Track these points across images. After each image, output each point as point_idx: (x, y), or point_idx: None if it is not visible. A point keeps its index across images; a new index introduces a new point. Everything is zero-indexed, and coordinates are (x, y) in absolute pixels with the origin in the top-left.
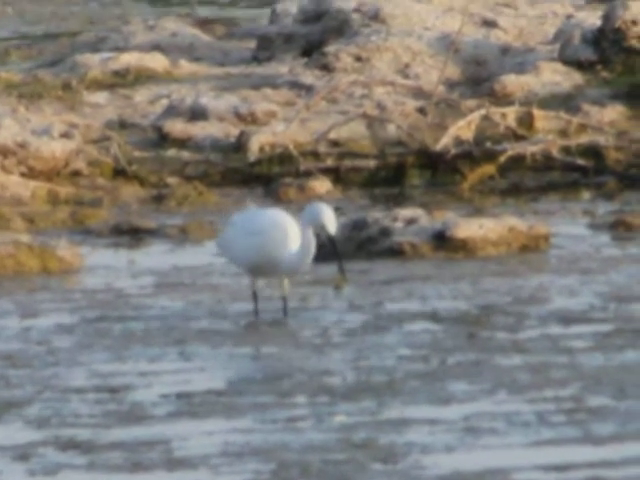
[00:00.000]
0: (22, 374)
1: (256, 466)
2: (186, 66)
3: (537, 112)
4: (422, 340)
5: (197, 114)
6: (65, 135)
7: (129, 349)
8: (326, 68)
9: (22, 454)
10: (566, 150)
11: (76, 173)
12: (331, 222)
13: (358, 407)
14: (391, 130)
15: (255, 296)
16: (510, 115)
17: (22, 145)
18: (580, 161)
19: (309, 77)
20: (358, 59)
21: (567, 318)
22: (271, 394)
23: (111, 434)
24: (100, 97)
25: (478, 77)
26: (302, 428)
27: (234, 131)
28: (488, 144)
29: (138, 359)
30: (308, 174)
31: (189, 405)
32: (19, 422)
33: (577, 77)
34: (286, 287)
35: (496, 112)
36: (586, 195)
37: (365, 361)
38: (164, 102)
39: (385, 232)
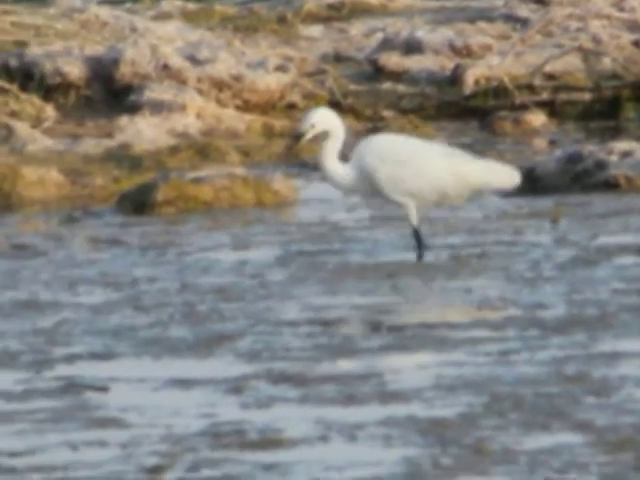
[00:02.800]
0: (235, 307)
1: (469, 399)
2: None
3: None
4: (636, 273)
5: (412, 47)
6: (280, 68)
7: (342, 282)
8: (541, 1)
9: (235, 387)
10: None
11: (291, 106)
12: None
13: (570, 340)
14: (606, 63)
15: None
16: None
17: (237, 78)
18: None
19: (524, 10)
20: None
21: None
22: (483, 327)
23: (323, 367)
24: (315, 30)
25: None
26: (514, 361)
27: (449, 64)
28: None
29: (351, 292)
30: (523, 107)
31: (400, 338)
32: (231, 355)
33: None
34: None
35: None
36: None
37: (578, 294)
38: (379, 35)
39: (600, 165)
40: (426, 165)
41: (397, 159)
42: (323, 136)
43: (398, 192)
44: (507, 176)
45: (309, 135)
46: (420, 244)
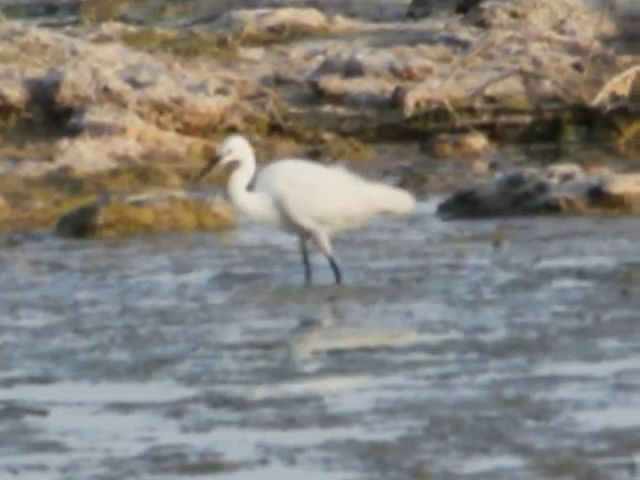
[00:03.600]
0: (175, 330)
1: (409, 422)
2: (341, 22)
3: None
4: (576, 297)
5: (353, 70)
6: (221, 91)
7: (283, 305)
8: (482, 24)
9: (175, 411)
10: None
11: (232, 129)
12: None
13: (510, 364)
14: (547, 86)
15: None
16: None
17: (178, 101)
18: None
19: (465, 33)
20: (514, 15)
21: None
22: (423, 351)
23: (263, 391)
24: (255, 53)
25: (634, 33)
26: (454, 385)
27: (390, 87)
28: None
29: (291, 316)
30: (464, 130)
31: (340, 362)
32: (171, 379)
33: None
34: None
35: None
36: None
37: (518, 317)
38: (320, 58)
39: (541, 188)
40: (333, 189)
41: (305, 183)
42: (235, 165)
43: (307, 217)
44: (406, 201)
45: (225, 160)
46: (337, 268)
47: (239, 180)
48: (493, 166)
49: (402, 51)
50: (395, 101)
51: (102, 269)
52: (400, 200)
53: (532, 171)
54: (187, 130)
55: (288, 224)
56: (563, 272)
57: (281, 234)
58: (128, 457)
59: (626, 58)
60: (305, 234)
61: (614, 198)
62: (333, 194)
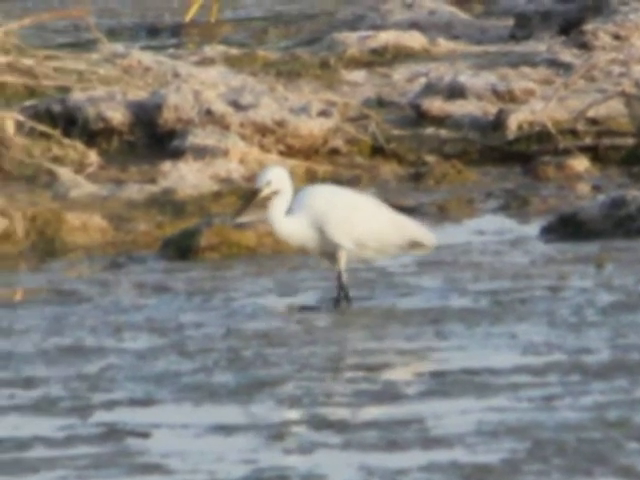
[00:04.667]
0: (279, 352)
1: (511, 445)
2: (444, 44)
3: None
4: None
5: (455, 92)
6: (323, 113)
7: (387, 328)
8: (584, 46)
9: (277, 433)
10: None
11: (334, 151)
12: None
13: (612, 385)
14: None
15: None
16: None
17: (280, 123)
18: None
19: (567, 55)
20: (616, 37)
21: None
22: (526, 373)
23: (365, 413)
24: (358, 75)
25: None
26: (557, 407)
27: (492, 109)
28: None
29: (395, 338)
30: (566, 152)
31: (442, 384)
32: (273, 401)
33: None
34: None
35: None
36: None
37: (621, 339)
38: (422, 80)
39: None
40: (372, 211)
41: (345, 204)
42: (273, 196)
43: (346, 236)
44: (431, 236)
45: (265, 192)
46: (343, 287)
47: (279, 206)
48: (596, 188)
49: (504, 73)
50: (498, 123)
51: (206, 292)
52: (426, 234)
53: (635, 193)
54: (289, 152)
55: (324, 246)
56: None
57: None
58: (230, 479)
59: None
60: (333, 258)
61: None
62: (372, 216)
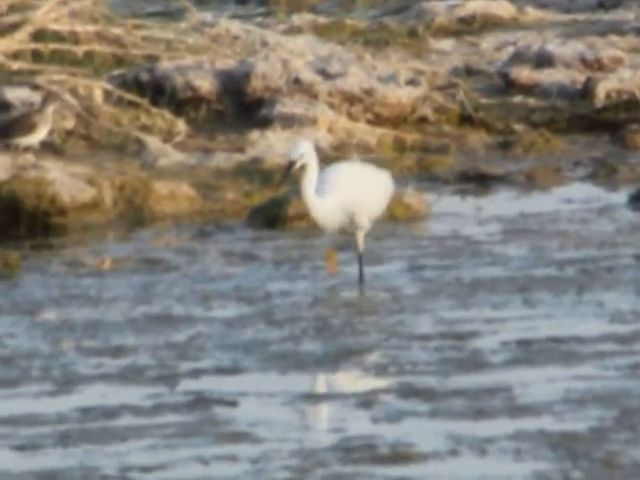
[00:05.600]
0: (367, 321)
1: (599, 412)
2: (532, 13)
3: None
4: None
5: (543, 61)
6: (411, 82)
7: (474, 296)
8: None
9: (365, 401)
10: None
11: (422, 120)
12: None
13: None
14: None
15: None
16: None
17: (368, 92)
18: None
19: None
20: None
21: None
22: (613, 341)
23: (452, 381)
24: (446, 44)
25: None
26: None
27: (580, 78)
28: None
29: (483, 306)
30: None
31: (529, 352)
32: (360, 369)
33: None
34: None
35: None
36: None
37: None
38: (510, 49)
39: None
40: (384, 191)
41: (374, 187)
42: (303, 169)
43: (369, 217)
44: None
45: (299, 164)
46: (362, 267)
47: (309, 185)
48: None
49: (593, 42)
50: (586, 92)
51: (294, 260)
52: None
53: None
54: (377, 121)
55: (347, 225)
56: None
57: (471, 225)
58: (319, 448)
59: None
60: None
61: None
62: (384, 194)
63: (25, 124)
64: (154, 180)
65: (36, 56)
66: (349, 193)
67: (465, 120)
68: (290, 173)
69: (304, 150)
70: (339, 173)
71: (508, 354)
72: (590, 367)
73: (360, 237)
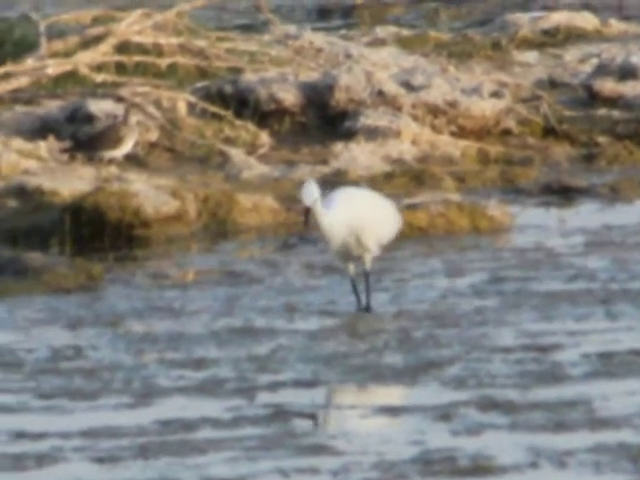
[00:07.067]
0: (450, 333)
1: None
2: (615, 25)
3: None
4: None
5: (627, 73)
6: (495, 94)
7: (556, 308)
8: None
9: (444, 414)
10: None
11: (506, 132)
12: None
13: None
14: None
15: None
16: None
17: (452, 104)
18: None
19: None
20: None
21: None
22: None
23: (532, 394)
24: (530, 56)
25: None
26: None
27: None
28: None
29: (565, 319)
30: None
31: (609, 365)
32: (439, 382)
33: None
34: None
35: None
36: None
37: None
38: (594, 61)
39: None
40: (391, 216)
41: (380, 211)
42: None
43: (377, 242)
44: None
45: (317, 207)
46: (369, 289)
47: (321, 209)
48: None
49: None
50: None
51: (377, 272)
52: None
53: None
54: (461, 133)
55: (357, 244)
56: None
57: (554, 237)
58: (399, 460)
59: None
60: (356, 258)
61: None
62: (392, 219)
63: (112, 137)
64: (238, 192)
65: (120, 68)
66: (354, 208)
67: (549, 132)
68: (309, 218)
69: (317, 194)
70: (346, 192)
71: (589, 367)
72: None
73: (368, 259)
